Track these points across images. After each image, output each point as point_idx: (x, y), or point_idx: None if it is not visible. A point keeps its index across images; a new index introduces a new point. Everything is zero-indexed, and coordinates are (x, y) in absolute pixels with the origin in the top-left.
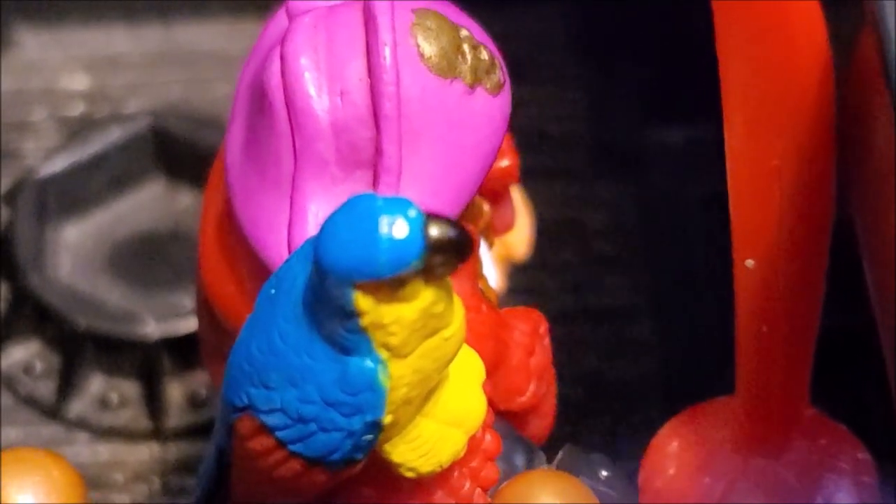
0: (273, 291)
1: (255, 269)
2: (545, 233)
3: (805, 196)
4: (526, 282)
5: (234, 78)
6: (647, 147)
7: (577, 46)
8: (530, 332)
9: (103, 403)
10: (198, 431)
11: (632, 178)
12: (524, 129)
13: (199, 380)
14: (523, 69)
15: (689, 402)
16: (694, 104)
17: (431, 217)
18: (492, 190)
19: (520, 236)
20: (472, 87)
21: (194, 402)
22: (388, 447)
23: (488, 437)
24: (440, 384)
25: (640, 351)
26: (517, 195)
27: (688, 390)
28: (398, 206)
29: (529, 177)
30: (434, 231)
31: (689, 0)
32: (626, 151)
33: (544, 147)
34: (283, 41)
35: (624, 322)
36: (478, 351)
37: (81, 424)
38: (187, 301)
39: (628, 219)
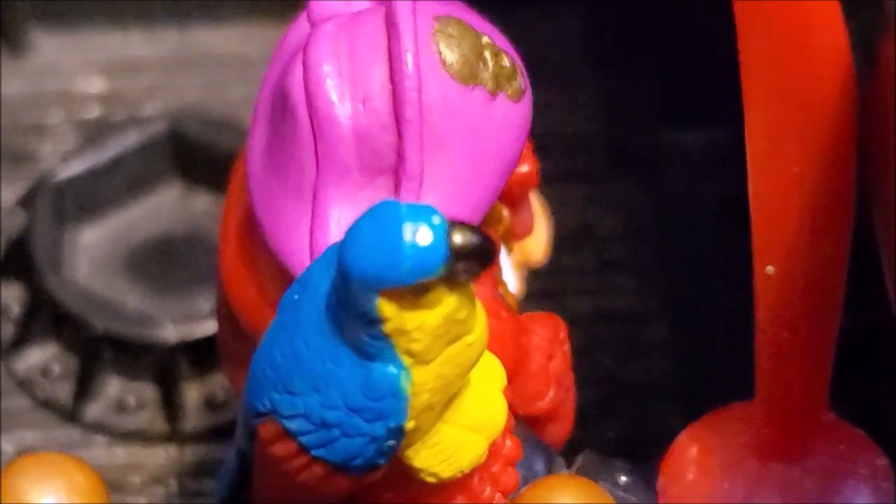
0: (296, 297)
1: (277, 275)
2: (560, 236)
3: (826, 202)
4: (542, 286)
5: (251, 81)
6: (663, 150)
7: (591, 49)
8: (550, 338)
9: (120, 406)
10: (215, 434)
11: (647, 181)
12: (539, 133)
13: (216, 382)
14: (538, 72)
15: (706, 406)
16: (709, 107)
17: (455, 224)
18: (511, 195)
19: (538, 241)
20: (493, 93)
21: (211, 405)
22: (410, 452)
23: (509, 442)
24: (462, 390)
25: (657, 355)
26: (535, 199)
27: (705, 394)
28: (422, 213)
29: (545, 180)
30: (458, 238)
31: (705, 2)
32: (642, 154)
33: (559, 150)
34: (305, 48)
35: (641, 326)
36: (498, 356)
37: (99, 427)
38: (204, 304)
39: (644, 222)
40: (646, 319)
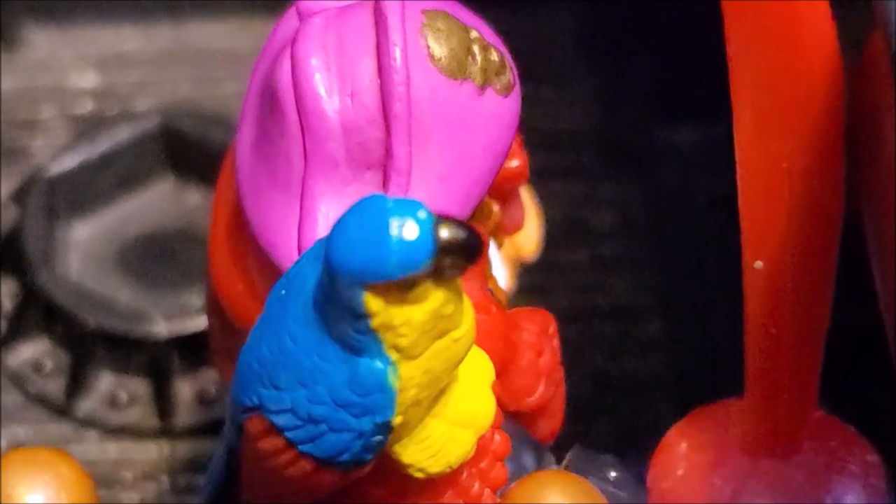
0: (283, 292)
1: (265, 269)
2: (553, 232)
3: (814, 197)
4: (534, 282)
5: (244, 76)
6: (656, 146)
7: (585, 45)
8: (539, 333)
9: (112, 402)
10: (207, 429)
11: (640, 177)
12: (531, 128)
13: (208, 378)
14: (531, 68)
15: (697, 402)
16: (703, 103)
17: (441, 218)
18: (501, 190)
19: (529, 236)
20: (481, 88)
21: (203, 400)
22: (397, 448)
23: (497, 437)
24: (450, 385)
25: (648, 351)
26: (525, 195)
27: (696, 390)
28: (408, 207)
29: (537, 176)
30: (444, 233)
31: (699, 0)
32: (635, 151)
33: (552, 146)
34: (293, 42)
35: (632, 322)
36: (487, 352)
37: (90, 423)
38: (196, 299)
39: (636, 218)
40: (638, 315)
